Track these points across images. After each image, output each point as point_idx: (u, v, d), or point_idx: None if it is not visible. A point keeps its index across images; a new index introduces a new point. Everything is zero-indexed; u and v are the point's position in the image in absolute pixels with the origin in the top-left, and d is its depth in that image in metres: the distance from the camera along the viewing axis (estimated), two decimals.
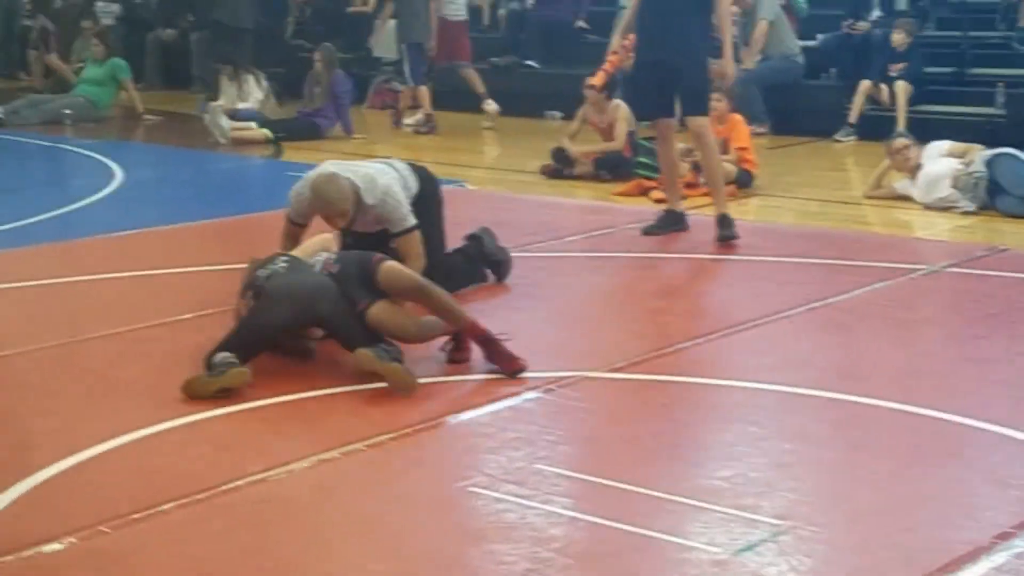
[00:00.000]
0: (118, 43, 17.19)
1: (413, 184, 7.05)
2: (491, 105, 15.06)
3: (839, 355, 6.30)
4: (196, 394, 5.43)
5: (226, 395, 5.42)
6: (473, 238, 7.57)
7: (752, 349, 6.31)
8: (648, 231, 8.74)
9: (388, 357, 5.60)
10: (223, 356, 5.54)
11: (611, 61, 8.97)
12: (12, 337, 6.34)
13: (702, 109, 8.69)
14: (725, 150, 10.67)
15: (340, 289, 5.84)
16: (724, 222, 8.58)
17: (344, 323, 5.80)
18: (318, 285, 5.87)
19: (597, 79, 9.11)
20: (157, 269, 7.78)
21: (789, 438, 5.09)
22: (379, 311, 5.82)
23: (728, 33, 8.57)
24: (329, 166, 6.87)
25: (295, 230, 6.80)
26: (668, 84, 8.54)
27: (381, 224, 6.79)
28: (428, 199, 7.17)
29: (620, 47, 9.05)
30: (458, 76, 15.33)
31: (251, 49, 15.74)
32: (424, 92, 14.65)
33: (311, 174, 6.79)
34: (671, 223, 8.81)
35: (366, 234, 6.81)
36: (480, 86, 15.25)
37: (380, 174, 6.81)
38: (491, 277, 7.54)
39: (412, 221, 6.79)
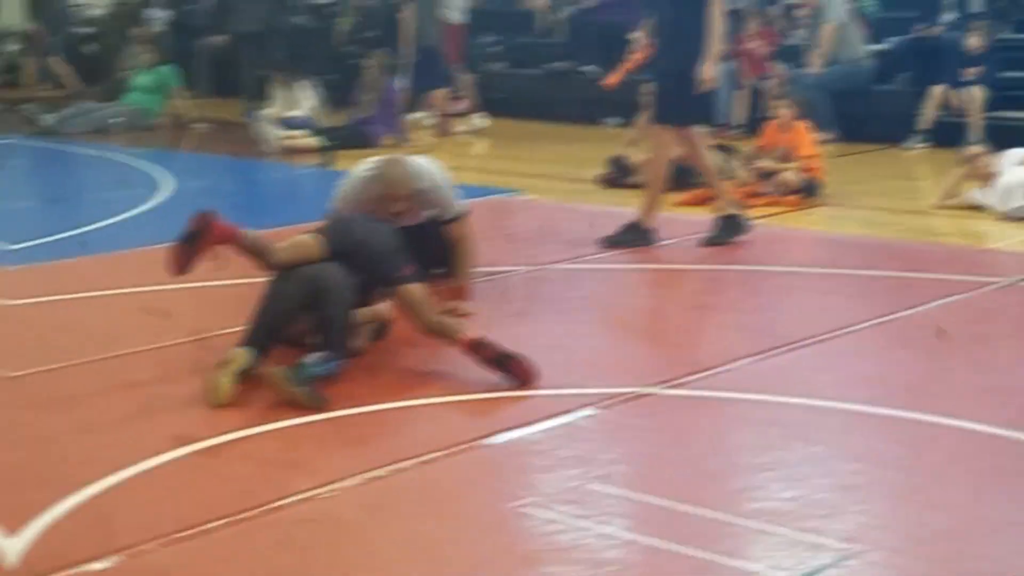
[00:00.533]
0: (168, 50, 17.34)
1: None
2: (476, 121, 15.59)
3: (908, 372, 6.24)
4: (216, 402, 5.57)
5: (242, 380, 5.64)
6: None
7: (816, 365, 6.27)
8: (709, 242, 8.73)
9: (298, 379, 5.57)
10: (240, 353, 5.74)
11: (633, 59, 8.95)
12: (59, 351, 6.39)
13: (687, 118, 8.76)
14: (790, 158, 10.64)
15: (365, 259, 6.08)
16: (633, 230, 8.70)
17: (344, 298, 5.95)
18: (323, 265, 6.04)
19: (612, 78, 9.09)
20: (206, 281, 7.81)
21: (855, 459, 5.05)
22: (416, 289, 6.05)
23: (714, 36, 8.53)
24: (388, 156, 7.25)
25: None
26: (666, 89, 8.68)
27: (431, 210, 7.15)
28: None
29: (643, 46, 9.03)
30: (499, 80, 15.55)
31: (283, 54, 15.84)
32: (440, 95, 14.76)
33: (359, 168, 7.17)
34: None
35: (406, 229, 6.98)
36: (472, 94, 15.79)
37: (430, 162, 7.31)
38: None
39: (462, 207, 7.24)
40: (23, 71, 19.23)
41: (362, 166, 7.26)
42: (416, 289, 6.11)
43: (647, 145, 11.12)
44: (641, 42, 9.07)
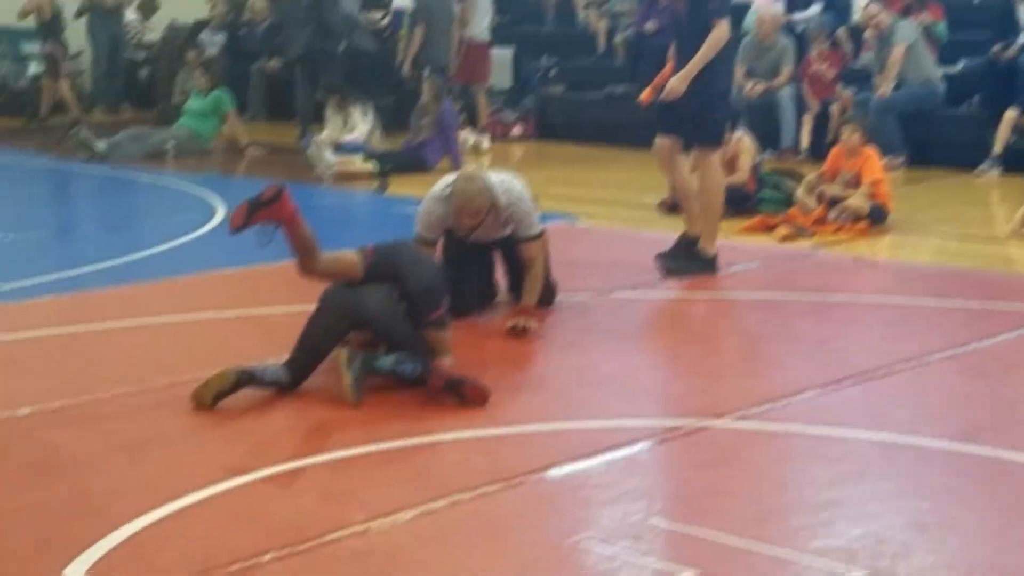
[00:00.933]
0: (222, 74, 17.47)
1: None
2: (485, 140, 15.82)
3: (983, 405, 6.16)
4: (201, 402, 5.90)
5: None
6: None
7: (886, 398, 6.21)
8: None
9: (357, 368, 5.92)
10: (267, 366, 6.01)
11: (664, 75, 8.96)
12: (113, 379, 6.42)
13: (704, 140, 8.81)
14: (857, 184, 10.58)
15: (400, 292, 6.27)
16: (693, 258, 8.75)
17: (390, 324, 6.17)
18: (370, 288, 6.26)
19: (645, 94, 9.12)
20: (260, 308, 7.86)
21: (927, 495, 4.99)
22: (438, 336, 6.29)
23: (700, 56, 8.55)
24: (464, 170, 7.53)
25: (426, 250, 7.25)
26: (672, 108, 8.71)
27: (508, 226, 7.28)
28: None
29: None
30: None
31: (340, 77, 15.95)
32: None
33: (437, 187, 7.31)
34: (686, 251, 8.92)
35: (475, 245, 7.39)
36: (484, 114, 15.88)
37: (512, 179, 7.39)
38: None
39: (540, 227, 7.37)
40: (42, 92, 19.37)
41: (441, 183, 7.39)
42: (438, 336, 6.35)
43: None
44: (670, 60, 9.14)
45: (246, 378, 6.03)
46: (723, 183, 9.08)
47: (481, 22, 16.47)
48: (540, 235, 7.40)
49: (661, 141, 8.97)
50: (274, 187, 6.31)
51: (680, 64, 8.69)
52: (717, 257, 8.86)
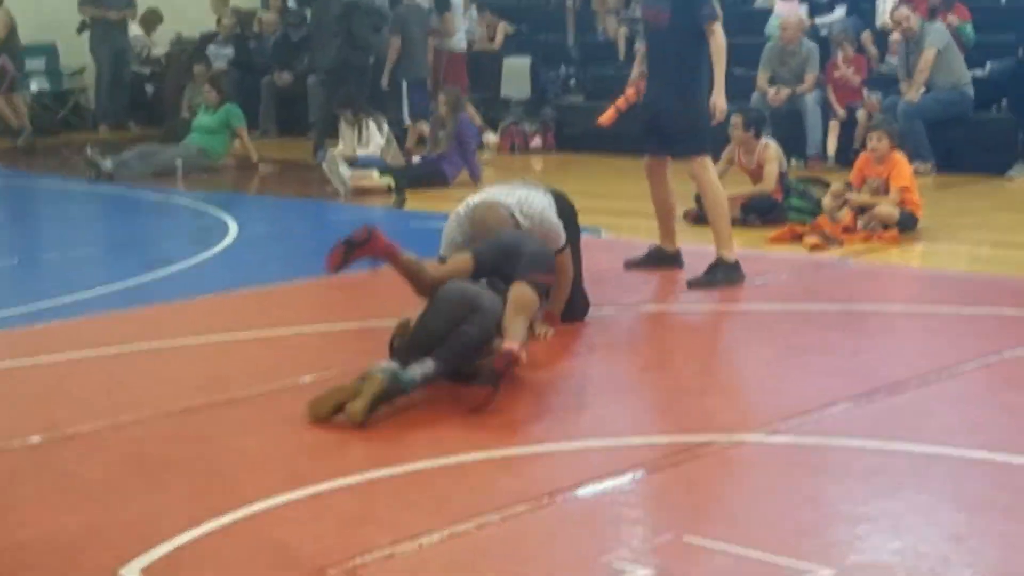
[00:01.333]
0: (231, 89, 17.52)
1: (553, 207, 7.65)
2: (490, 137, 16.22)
3: (1019, 415, 6.18)
4: (316, 415, 6.05)
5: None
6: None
7: (920, 409, 6.23)
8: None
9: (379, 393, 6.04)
10: (378, 365, 6.14)
11: (626, 96, 9.05)
12: (127, 405, 6.46)
13: (693, 149, 8.91)
14: (886, 191, 10.60)
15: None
16: (715, 268, 8.88)
17: (486, 324, 6.39)
18: (490, 293, 6.55)
19: (605, 116, 9.21)
20: (275, 329, 7.90)
21: (965, 508, 5.02)
22: (525, 292, 6.56)
23: (719, 67, 8.69)
24: (484, 194, 7.50)
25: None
26: (656, 122, 8.91)
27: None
28: (568, 225, 7.72)
29: (639, 79, 9.13)
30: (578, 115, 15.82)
31: (366, 90, 16.07)
32: (425, 128, 15.11)
33: (461, 208, 7.42)
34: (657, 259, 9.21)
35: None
36: (478, 119, 16.09)
37: (534, 197, 7.47)
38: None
39: (563, 239, 7.45)
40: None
41: (469, 200, 7.51)
42: (525, 292, 6.60)
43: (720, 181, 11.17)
44: (633, 78, 9.18)
45: (395, 390, 6.13)
46: (721, 188, 9.15)
47: (459, 33, 16.73)
48: (563, 248, 7.46)
49: (651, 159, 9.19)
50: (364, 229, 6.54)
51: (660, 77, 8.86)
52: (739, 263, 8.91)
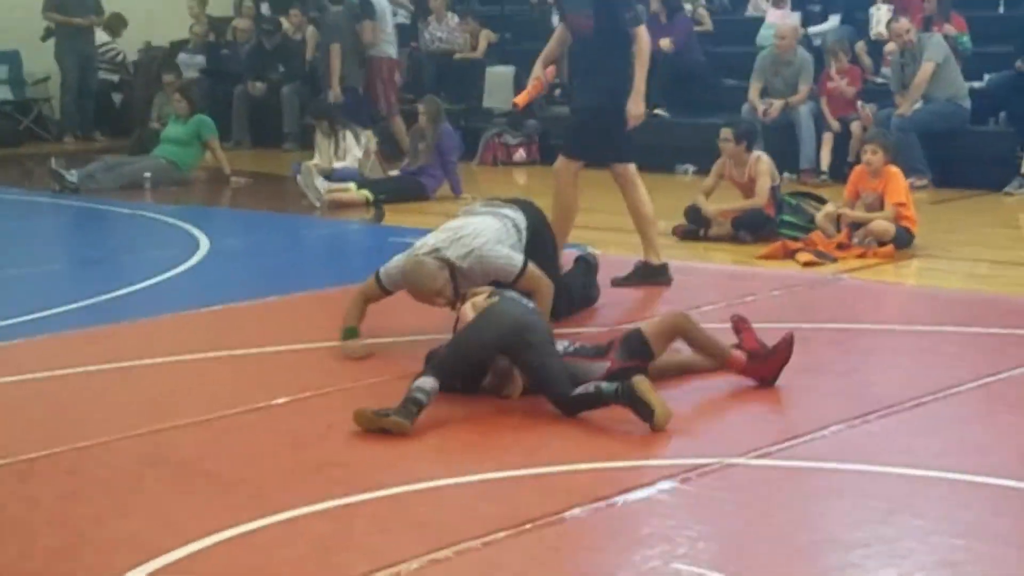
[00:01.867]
0: (203, 98, 17.52)
1: (521, 223, 7.88)
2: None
3: (1017, 437, 6.20)
4: (361, 424, 6.14)
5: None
6: (582, 260, 8.82)
7: (915, 431, 6.25)
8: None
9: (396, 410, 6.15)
10: (418, 384, 6.18)
11: (534, 86, 9.15)
12: (91, 426, 6.45)
13: (621, 156, 9.15)
14: (881, 206, 10.64)
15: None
16: (638, 269, 9.20)
17: (546, 363, 6.40)
18: (534, 318, 6.65)
19: (521, 97, 9.32)
20: (248, 348, 7.89)
21: (961, 533, 5.03)
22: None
23: (641, 72, 8.87)
24: (423, 242, 7.60)
25: (379, 295, 7.74)
26: (583, 128, 9.09)
27: (490, 279, 7.44)
28: (539, 232, 8.04)
29: (541, 74, 9.20)
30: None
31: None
32: (370, 137, 15.38)
33: (406, 257, 7.58)
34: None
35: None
36: (403, 135, 16.36)
37: (475, 235, 7.54)
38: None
39: (517, 262, 7.54)
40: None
41: (405, 254, 7.67)
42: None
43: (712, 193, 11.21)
44: (539, 71, 9.23)
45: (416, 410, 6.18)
46: (648, 197, 9.34)
47: (390, 37, 16.91)
48: (524, 268, 7.55)
49: (565, 163, 9.27)
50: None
51: (587, 83, 9.03)
52: (667, 266, 9.24)
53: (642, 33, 8.89)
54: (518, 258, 7.57)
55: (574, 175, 9.28)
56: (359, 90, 16.66)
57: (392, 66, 17.03)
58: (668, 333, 6.89)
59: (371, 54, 16.74)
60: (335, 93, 16.54)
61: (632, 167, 9.21)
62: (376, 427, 6.12)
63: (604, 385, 6.32)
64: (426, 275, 7.37)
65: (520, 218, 7.96)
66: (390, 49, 16.98)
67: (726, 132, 11.37)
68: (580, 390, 6.36)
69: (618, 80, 8.93)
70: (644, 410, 6.15)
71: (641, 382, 6.21)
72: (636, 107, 8.89)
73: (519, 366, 6.57)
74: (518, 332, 6.48)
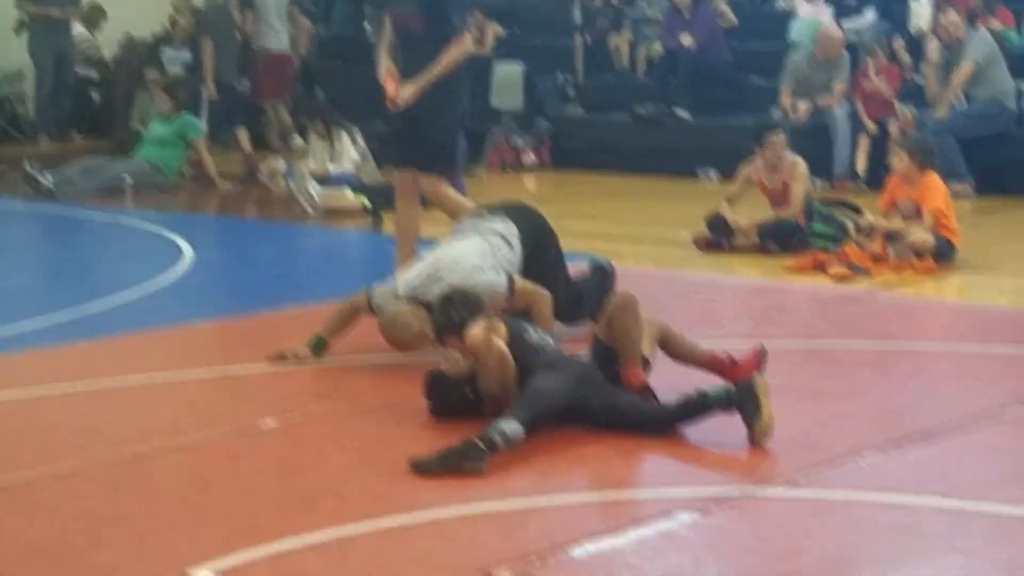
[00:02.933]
0: (188, 96, 17.54)
1: (512, 234, 7.93)
2: (298, 140, 16.74)
3: None
4: (425, 475, 5.97)
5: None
6: (599, 270, 8.81)
7: (956, 460, 6.25)
8: None
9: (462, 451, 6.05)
10: (510, 429, 6.11)
11: (390, 81, 9.16)
12: (67, 451, 6.45)
13: (435, 167, 9.16)
14: (918, 215, 10.63)
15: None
16: None
17: (613, 401, 6.52)
18: (589, 369, 6.70)
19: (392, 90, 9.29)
20: (234, 367, 7.91)
21: (1004, 569, 5.03)
22: None
23: (440, 67, 8.95)
24: (406, 277, 7.76)
25: (367, 314, 7.78)
26: (407, 131, 9.13)
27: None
28: (537, 239, 8.10)
29: (391, 66, 9.25)
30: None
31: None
32: (243, 136, 15.37)
33: (387, 294, 7.67)
34: None
35: None
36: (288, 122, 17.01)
37: (452, 268, 7.61)
38: None
39: (501, 284, 7.57)
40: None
41: (388, 286, 7.77)
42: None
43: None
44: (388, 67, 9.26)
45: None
46: (464, 207, 9.23)
47: (277, 30, 17.13)
48: (510, 283, 7.60)
49: (401, 174, 9.37)
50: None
51: (412, 79, 9.01)
52: None
53: (462, 40, 9.05)
54: (500, 280, 7.61)
55: (414, 190, 9.32)
56: (235, 86, 17.14)
57: (276, 60, 17.29)
58: (609, 323, 6.89)
59: (253, 47, 17.18)
60: (209, 90, 16.96)
61: (443, 185, 9.21)
62: (440, 471, 6.01)
63: (711, 390, 6.43)
64: (400, 326, 7.50)
65: (510, 229, 7.99)
66: (274, 42, 17.26)
67: (778, 137, 11.33)
68: (681, 400, 6.46)
69: (447, 87, 9.01)
70: (752, 411, 6.30)
71: (764, 383, 6.36)
72: (406, 91, 8.95)
73: (587, 414, 6.57)
74: (585, 383, 6.56)
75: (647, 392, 6.72)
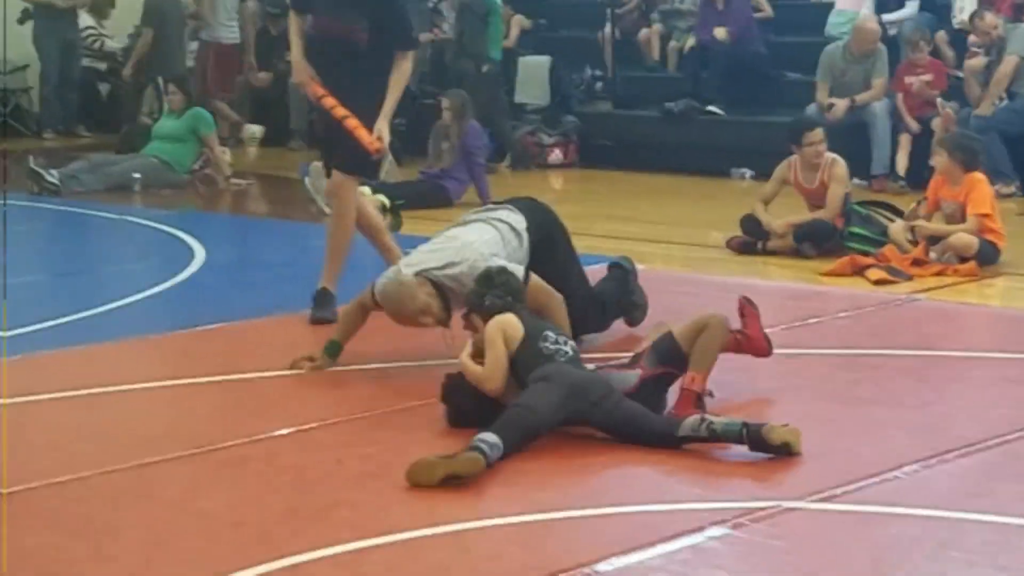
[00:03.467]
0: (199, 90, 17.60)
1: (520, 225, 7.90)
2: (251, 129, 17.55)
3: None
4: (419, 482, 5.94)
5: (456, 483, 5.89)
6: (616, 267, 8.77)
7: (999, 473, 6.24)
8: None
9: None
10: (491, 440, 6.12)
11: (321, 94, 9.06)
12: (70, 459, 6.47)
13: (352, 167, 9.06)
14: (962, 217, 10.60)
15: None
16: (320, 298, 8.99)
17: (621, 415, 6.51)
18: (592, 377, 6.76)
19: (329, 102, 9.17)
20: (247, 373, 7.92)
21: None
22: None
23: (395, 95, 8.86)
24: (414, 255, 7.76)
25: (375, 307, 7.73)
26: (331, 139, 9.04)
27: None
28: (546, 233, 8.06)
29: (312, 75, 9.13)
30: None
31: None
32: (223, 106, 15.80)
33: (391, 274, 7.67)
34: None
35: None
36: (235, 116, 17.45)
37: (462, 252, 7.57)
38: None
39: (519, 272, 7.43)
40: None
41: (393, 269, 7.80)
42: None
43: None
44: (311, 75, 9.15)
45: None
46: (353, 223, 9.23)
47: (227, 21, 17.32)
48: (525, 281, 7.45)
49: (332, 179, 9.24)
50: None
51: (345, 95, 8.81)
52: (329, 292, 9.07)
53: (408, 59, 8.92)
54: (518, 271, 7.51)
55: (352, 190, 9.24)
56: (186, 77, 17.32)
57: (223, 52, 17.52)
58: (698, 331, 7.00)
59: (201, 38, 17.69)
60: (128, 74, 17.93)
61: (351, 189, 9.15)
62: (440, 478, 5.97)
63: (718, 425, 6.38)
64: (405, 296, 7.48)
65: (518, 219, 7.96)
66: (223, 33, 17.45)
67: (817, 135, 11.31)
68: (687, 431, 6.41)
69: (379, 98, 8.90)
70: (782, 452, 6.32)
71: (769, 431, 6.31)
72: (386, 129, 8.82)
73: (591, 425, 6.59)
74: (579, 397, 6.53)
75: (699, 403, 6.80)
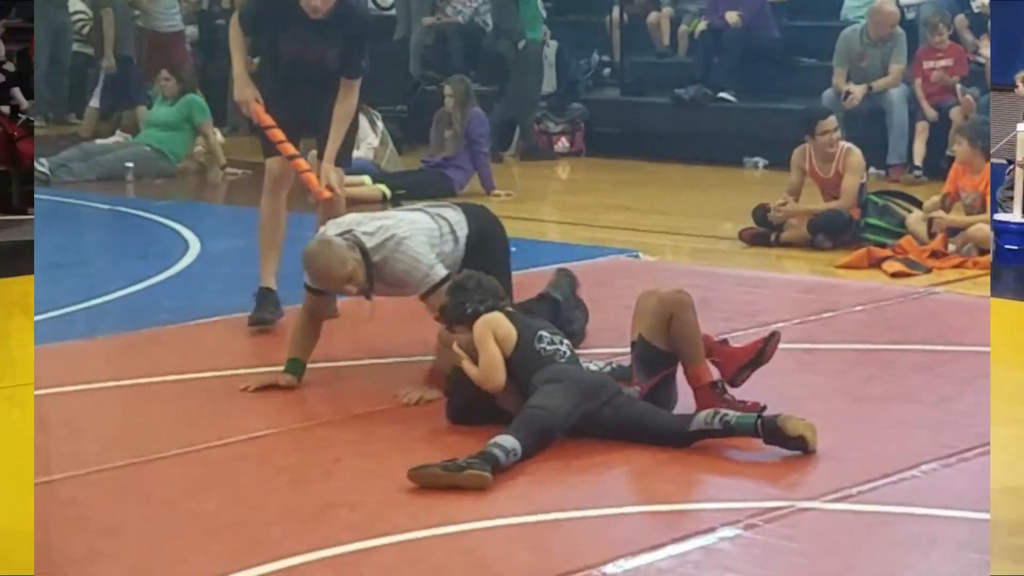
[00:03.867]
0: (194, 76, 17.57)
1: (461, 231, 7.64)
2: None
3: None
4: (425, 484, 5.94)
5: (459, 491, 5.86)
6: (545, 299, 8.17)
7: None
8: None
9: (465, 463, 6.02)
10: (509, 444, 6.13)
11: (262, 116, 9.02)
12: (62, 457, 6.47)
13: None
14: (982, 208, 10.60)
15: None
16: (263, 296, 8.92)
17: (630, 413, 6.51)
18: (601, 377, 6.79)
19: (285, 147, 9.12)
20: (244, 368, 7.92)
21: None
22: None
23: (339, 131, 8.80)
24: (343, 218, 7.59)
25: (318, 302, 7.57)
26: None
27: (398, 288, 7.38)
28: (484, 244, 7.73)
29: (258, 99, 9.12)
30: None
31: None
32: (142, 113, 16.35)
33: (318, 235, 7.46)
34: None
35: None
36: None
37: (398, 225, 7.37)
38: None
39: (439, 274, 7.30)
40: None
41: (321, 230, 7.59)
42: None
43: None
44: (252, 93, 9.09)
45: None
46: (268, 216, 9.30)
47: (167, 8, 17.47)
48: (443, 281, 7.29)
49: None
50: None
51: (319, 126, 8.87)
52: (272, 291, 8.98)
53: (356, 86, 8.83)
54: (439, 270, 7.35)
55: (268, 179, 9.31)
56: (132, 59, 17.83)
57: (159, 40, 17.95)
58: (666, 323, 6.83)
59: (139, 24, 17.93)
60: (108, 63, 17.68)
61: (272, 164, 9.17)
62: (444, 485, 5.98)
63: (733, 418, 6.39)
64: (334, 258, 7.21)
65: (459, 220, 7.72)
66: (161, 21, 17.96)
67: (830, 123, 11.31)
68: (701, 425, 6.42)
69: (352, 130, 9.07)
70: (798, 446, 6.33)
71: (785, 421, 6.32)
72: (334, 173, 8.76)
73: (600, 428, 6.57)
74: (591, 397, 6.55)
75: (718, 387, 6.80)
